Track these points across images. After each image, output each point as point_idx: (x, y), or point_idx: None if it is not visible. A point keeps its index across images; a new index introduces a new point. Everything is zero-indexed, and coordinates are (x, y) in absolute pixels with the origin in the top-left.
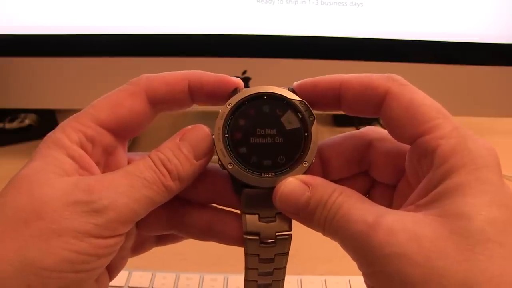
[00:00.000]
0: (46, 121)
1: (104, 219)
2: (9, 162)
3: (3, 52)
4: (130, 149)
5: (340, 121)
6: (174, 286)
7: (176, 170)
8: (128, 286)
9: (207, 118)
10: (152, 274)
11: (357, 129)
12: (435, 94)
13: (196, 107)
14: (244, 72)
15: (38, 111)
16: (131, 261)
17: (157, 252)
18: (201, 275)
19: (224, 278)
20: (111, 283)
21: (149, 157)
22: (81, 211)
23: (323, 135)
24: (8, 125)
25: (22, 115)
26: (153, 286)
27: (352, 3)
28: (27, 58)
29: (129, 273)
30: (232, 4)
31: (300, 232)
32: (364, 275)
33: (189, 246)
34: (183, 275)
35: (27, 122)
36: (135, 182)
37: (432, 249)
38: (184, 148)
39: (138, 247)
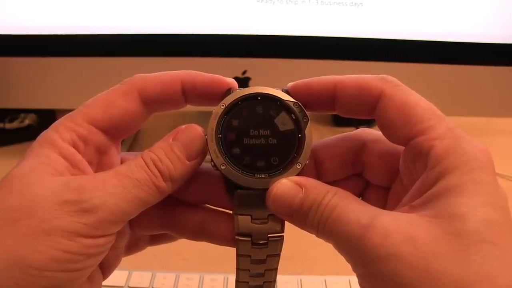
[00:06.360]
0: (46, 121)
1: (93, 219)
2: (9, 162)
3: (3, 52)
4: (130, 149)
5: (339, 121)
6: (174, 286)
7: (168, 171)
8: (128, 286)
9: (207, 119)
10: (152, 274)
11: (357, 129)
12: (435, 94)
13: (196, 108)
14: (244, 72)
15: (38, 111)
16: (131, 261)
17: (157, 252)
18: (201, 275)
19: (224, 278)
20: (111, 283)
21: (141, 157)
22: (71, 211)
23: (323, 135)
24: (8, 125)
25: (22, 115)
26: (153, 286)
27: (352, 3)
28: (27, 58)
29: (129, 273)
30: (232, 4)
31: (300, 232)
32: (359, 276)
33: (189, 246)
34: (183, 275)
35: (27, 122)
36: (126, 182)
37: (426, 250)
38: (176, 149)
39: (132, 247)
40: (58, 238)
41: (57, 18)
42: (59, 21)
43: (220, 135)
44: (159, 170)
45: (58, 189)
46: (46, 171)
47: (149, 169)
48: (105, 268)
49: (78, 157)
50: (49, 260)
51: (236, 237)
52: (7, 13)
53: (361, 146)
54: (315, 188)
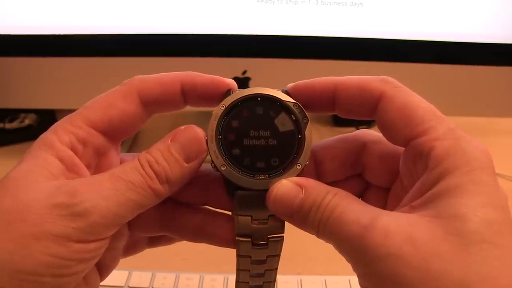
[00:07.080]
0: (46, 121)
1: (84, 223)
2: (9, 162)
3: (3, 52)
4: (130, 150)
5: (340, 121)
6: (174, 286)
7: (164, 173)
8: (128, 286)
9: (207, 119)
10: (152, 274)
11: (357, 129)
12: (436, 94)
13: (196, 108)
14: (244, 72)
15: (38, 111)
16: (131, 261)
17: (157, 252)
18: (201, 275)
19: (224, 278)
20: (111, 283)
21: (137, 159)
22: (61, 215)
23: (323, 135)
24: (8, 125)
25: (22, 115)
26: (153, 286)
27: (352, 3)
28: (27, 58)
29: (129, 273)
30: (232, 4)
31: (300, 232)
32: (359, 276)
33: (189, 246)
34: (183, 275)
35: (27, 122)
36: (119, 185)
37: (427, 250)
38: (174, 150)
39: (130, 248)
40: (47, 242)
41: (57, 18)
42: (58, 21)
43: (220, 136)
44: (155, 172)
45: (51, 192)
46: (42, 174)
47: (144, 171)
48: (103, 269)
49: (76, 160)
50: (39, 265)
51: (237, 238)
52: (6, 13)
53: (361, 147)
54: (315, 188)
